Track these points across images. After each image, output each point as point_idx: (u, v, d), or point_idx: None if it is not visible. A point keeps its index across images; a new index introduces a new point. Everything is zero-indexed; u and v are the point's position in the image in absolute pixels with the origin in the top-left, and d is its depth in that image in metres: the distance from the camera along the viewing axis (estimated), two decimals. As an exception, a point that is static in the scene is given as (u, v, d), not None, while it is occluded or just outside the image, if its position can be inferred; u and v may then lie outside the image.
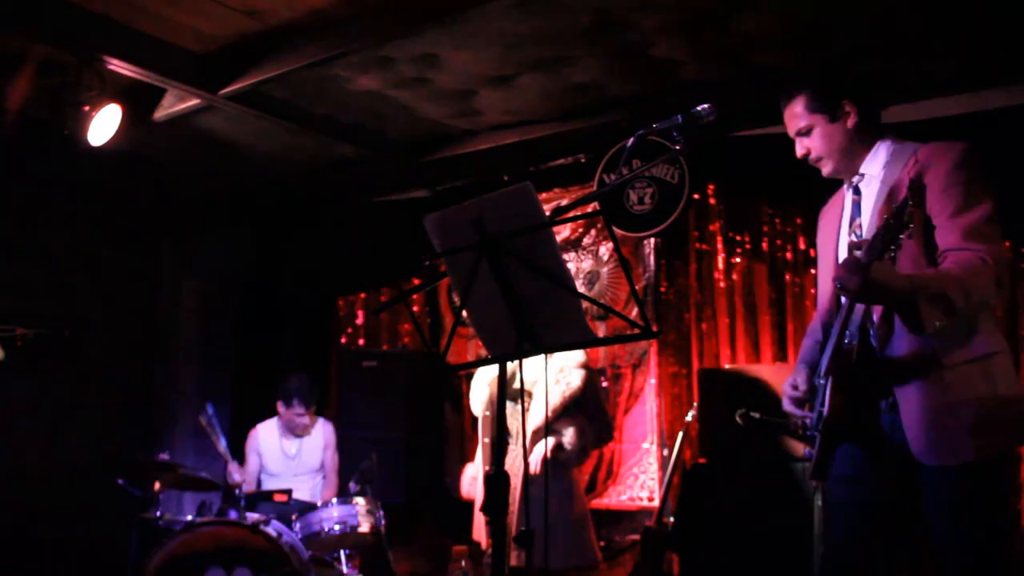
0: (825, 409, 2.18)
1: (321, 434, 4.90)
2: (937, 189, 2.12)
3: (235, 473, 4.37)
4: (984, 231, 2.11)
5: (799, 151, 2.37)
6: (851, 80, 2.39)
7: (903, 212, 1.90)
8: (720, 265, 4.56)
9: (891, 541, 2.24)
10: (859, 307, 2.18)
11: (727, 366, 4.40)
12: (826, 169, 2.36)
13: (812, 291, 4.14)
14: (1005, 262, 2.14)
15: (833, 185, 2.51)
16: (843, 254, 2.34)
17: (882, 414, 2.20)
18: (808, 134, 2.32)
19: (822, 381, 2.24)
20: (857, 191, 2.34)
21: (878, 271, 1.96)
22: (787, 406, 2.40)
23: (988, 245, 2.08)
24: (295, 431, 4.80)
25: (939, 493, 2.11)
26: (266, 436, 4.86)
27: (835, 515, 2.39)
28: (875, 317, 2.20)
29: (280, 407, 4.78)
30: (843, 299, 2.14)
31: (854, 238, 2.29)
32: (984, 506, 2.10)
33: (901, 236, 1.91)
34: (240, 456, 4.86)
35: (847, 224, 2.36)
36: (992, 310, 2.20)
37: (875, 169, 2.30)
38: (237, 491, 4.08)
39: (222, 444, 4.39)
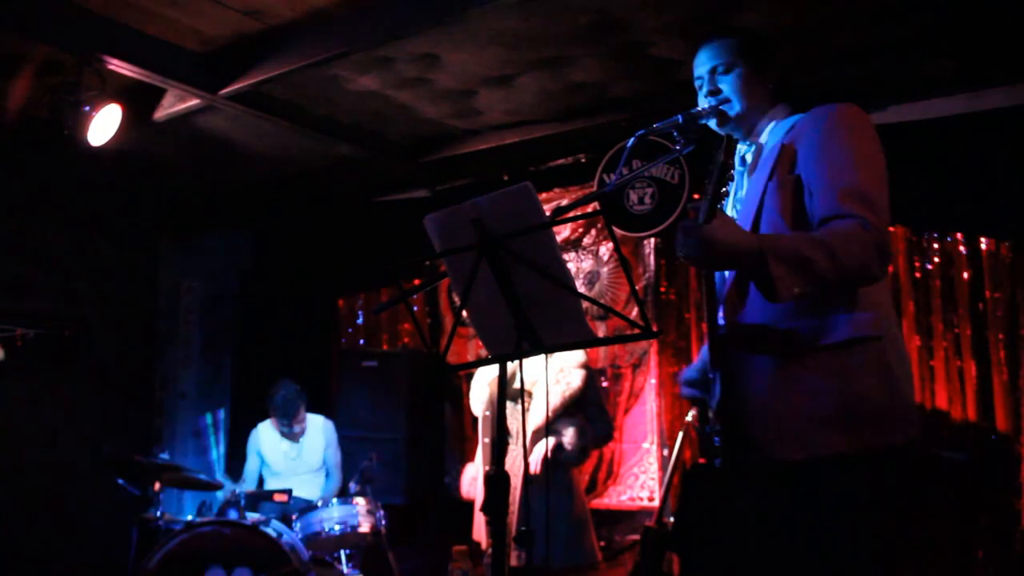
0: (713, 403, 1.97)
1: (321, 433, 4.91)
2: (812, 154, 1.91)
3: (227, 488, 4.32)
4: (866, 193, 1.85)
5: (708, 87, 2.18)
6: (779, 58, 2.23)
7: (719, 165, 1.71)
8: (720, 265, 4.55)
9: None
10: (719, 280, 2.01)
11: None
12: (725, 118, 2.15)
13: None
14: (887, 233, 1.87)
15: None
16: None
17: (721, 396, 1.95)
18: (726, 73, 2.15)
19: (711, 375, 2.01)
20: (743, 162, 2.19)
21: (719, 229, 1.74)
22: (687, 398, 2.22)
23: (870, 209, 1.82)
24: (290, 436, 4.83)
25: (782, 490, 1.91)
26: (266, 436, 4.87)
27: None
28: (728, 286, 2.01)
29: (271, 416, 4.81)
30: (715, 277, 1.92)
31: (738, 208, 2.12)
32: (833, 508, 1.85)
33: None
34: (240, 457, 4.87)
35: (733, 195, 2.19)
36: (878, 285, 1.89)
37: (762, 138, 2.14)
38: (237, 491, 4.08)
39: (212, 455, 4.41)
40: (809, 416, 1.85)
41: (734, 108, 2.14)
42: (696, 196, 4.57)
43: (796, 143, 1.98)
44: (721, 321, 2.02)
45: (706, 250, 1.74)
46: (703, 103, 2.20)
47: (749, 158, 2.17)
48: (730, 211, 2.18)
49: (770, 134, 2.12)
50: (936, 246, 3.96)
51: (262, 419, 4.94)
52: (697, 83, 2.24)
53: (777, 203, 1.94)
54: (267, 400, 4.78)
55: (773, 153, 2.01)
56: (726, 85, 2.16)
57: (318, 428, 4.93)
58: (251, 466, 4.85)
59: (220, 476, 4.46)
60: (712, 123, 2.19)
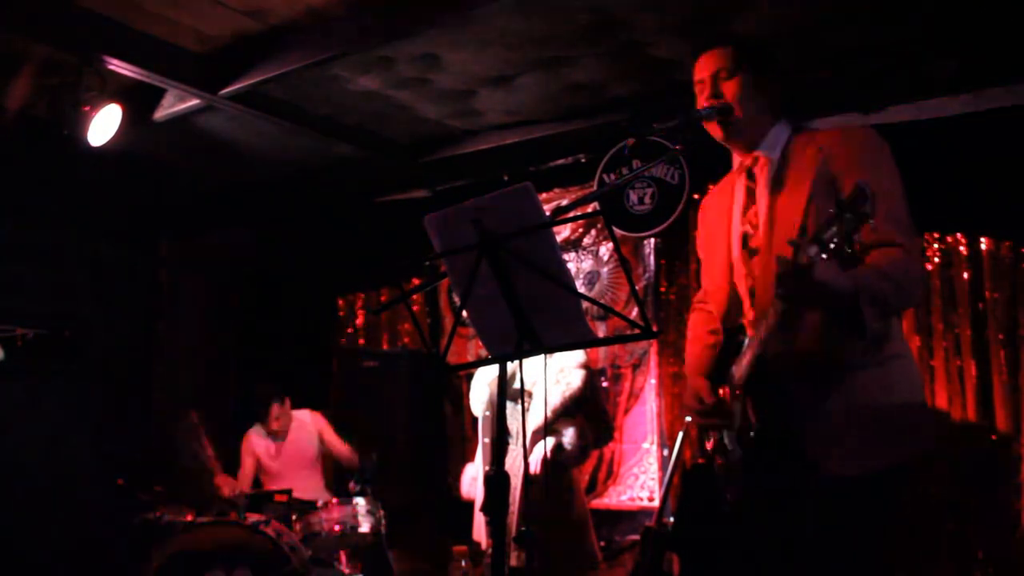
0: (753, 423, 2.05)
1: (304, 427, 4.93)
2: (847, 175, 1.94)
3: (224, 487, 4.35)
4: (903, 219, 1.95)
5: (708, 91, 2.19)
6: (780, 66, 2.27)
7: (858, 206, 1.65)
8: (720, 265, 4.55)
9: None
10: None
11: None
12: (725, 127, 2.16)
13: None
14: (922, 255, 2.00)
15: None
16: (736, 244, 2.19)
17: (775, 418, 2.03)
18: (728, 78, 2.16)
19: (739, 393, 2.08)
20: (751, 176, 2.18)
21: (825, 271, 1.73)
22: (698, 421, 2.25)
23: (910, 237, 1.95)
24: (281, 433, 4.86)
25: (831, 503, 1.97)
26: (257, 439, 4.92)
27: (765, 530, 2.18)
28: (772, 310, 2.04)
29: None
30: (775, 308, 1.91)
31: (749, 228, 2.15)
32: (872, 522, 1.96)
33: (856, 236, 1.67)
34: (235, 462, 4.88)
35: (739, 212, 2.20)
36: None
37: (771, 153, 2.14)
38: (237, 492, 4.08)
39: (210, 452, 4.42)
40: (862, 433, 1.94)
41: (735, 114, 2.15)
42: (696, 196, 4.57)
43: (829, 163, 2.00)
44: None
45: (814, 291, 1.76)
46: (702, 104, 2.20)
47: (757, 173, 2.16)
48: (740, 224, 2.18)
49: (780, 148, 2.13)
50: (936, 246, 3.95)
51: (253, 427, 4.98)
52: (697, 87, 2.24)
53: (815, 227, 1.93)
54: (252, 410, 4.85)
55: (805, 171, 2.03)
56: (728, 91, 2.17)
57: (304, 423, 4.94)
58: (246, 469, 4.87)
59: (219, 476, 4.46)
60: (714, 134, 2.20)
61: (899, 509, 2.01)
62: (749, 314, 2.16)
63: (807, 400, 1.99)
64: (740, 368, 2.08)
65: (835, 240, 1.66)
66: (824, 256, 1.68)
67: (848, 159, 1.99)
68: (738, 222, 2.19)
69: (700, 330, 2.42)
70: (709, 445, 2.28)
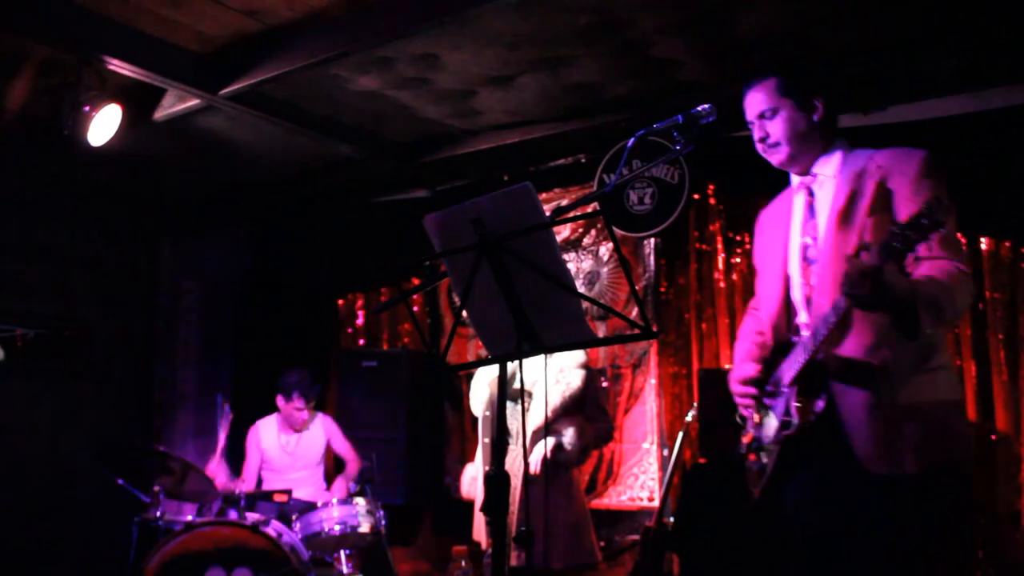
0: (795, 420, 2.16)
1: (321, 428, 4.92)
2: (906, 194, 2.10)
3: (220, 476, 4.32)
4: (954, 241, 2.11)
5: (757, 133, 2.32)
6: (823, 79, 2.36)
7: (927, 218, 1.80)
8: (720, 265, 4.56)
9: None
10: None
11: (727, 366, 4.40)
12: (779, 156, 2.30)
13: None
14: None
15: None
16: (795, 257, 2.31)
17: (821, 421, 2.14)
18: (772, 117, 2.29)
19: (785, 390, 2.20)
20: (811, 192, 2.30)
21: (891, 274, 1.90)
22: (744, 407, 2.37)
23: (961, 256, 2.08)
24: (294, 426, 4.82)
25: (878, 502, 2.07)
26: (266, 432, 4.88)
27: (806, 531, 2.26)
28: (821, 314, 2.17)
29: (280, 401, 4.81)
30: (838, 306, 2.04)
31: (808, 240, 2.27)
32: (922, 522, 2.07)
33: (920, 244, 1.83)
34: (240, 454, 4.87)
35: (799, 226, 2.32)
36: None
37: (830, 171, 2.27)
38: (237, 491, 4.08)
39: (221, 439, 4.40)
40: (912, 435, 2.04)
41: (782, 153, 2.29)
42: (696, 196, 4.58)
43: (887, 181, 2.13)
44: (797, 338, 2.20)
45: (880, 294, 1.89)
46: (758, 147, 2.34)
47: (817, 190, 2.29)
48: (800, 236, 2.30)
49: (837, 166, 2.25)
50: (936, 246, 3.96)
51: (261, 417, 4.95)
52: (750, 125, 2.37)
53: (878, 236, 2.05)
54: (280, 384, 4.78)
55: (864, 188, 2.15)
56: (774, 129, 2.29)
57: (317, 423, 4.93)
58: (252, 463, 4.85)
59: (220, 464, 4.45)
60: (771, 161, 2.33)
61: (951, 512, 2.12)
62: (804, 320, 2.27)
63: (860, 402, 2.08)
64: (790, 368, 2.20)
65: (900, 250, 1.82)
66: (889, 262, 1.84)
67: (909, 180, 2.11)
68: (797, 235, 2.31)
69: (749, 329, 2.55)
70: (746, 439, 2.39)
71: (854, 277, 1.89)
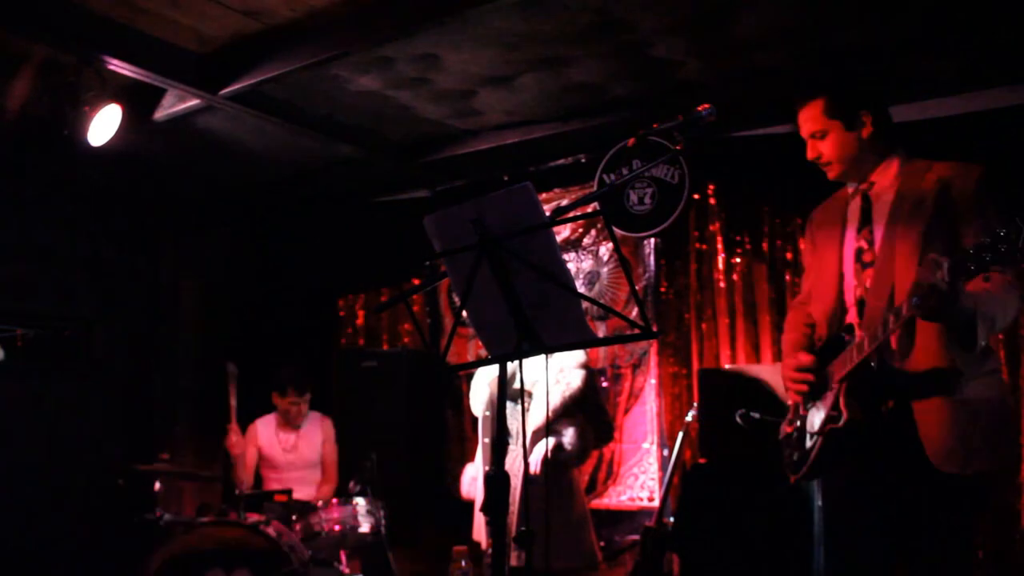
0: (844, 415, 2.21)
1: (319, 428, 4.92)
2: (967, 206, 2.18)
3: (236, 442, 4.42)
4: None
5: (810, 153, 2.40)
6: (869, 89, 2.44)
7: (1006, 244, 1.83)
8: (720, 265, 4.56)
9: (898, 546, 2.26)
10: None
11: (727, 366, 4.40)
12: (833, 173, 2.41)
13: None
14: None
15: (831, 186, 2.52)
16: (849, 258, 2.37)
17: (887, 421, 2.21)
18: (822, 138, 2.36)
19: (835, 386, 2.26)
20: (866, 199, 2.36)
21: (960, 290, 1.97)
22: (796, 393, 2.42)
23: (1017, 272, 2.15)
24: (292, 422, 4.83)
25: (945, 500, 2.15)
26: (264, 430, 4.89)
27: (847, 524, 2.37)
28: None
29: (275, 398, 4.82)
30: (900, 314, 2.08)
31: (864, 244, 2.33)
32: (973, 519, 2.20)
33: (994, 266, 1.87)
34: (252, 414, 4.88)
35: (854, 230, 2.38)
36: None
37: (886, 180, 2.34)
38: (237, 491, 4.08)
39: (232, 404, 4.45)
40: (972, 437, 2.13)
41: (835, 170, 2.38)
42: (696, 196, 4.57)
43: (949, 191, 2.20)
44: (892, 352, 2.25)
45: (950, 308, 1.96)
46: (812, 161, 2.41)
47: (874, 196, 2.35)
48: (855, 240, 2.36)
49: (894, 175, 2.32)
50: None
51: (260, 417, 4.95)
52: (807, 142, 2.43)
53: (936, 245, 2.15)
54: (274, 381, 4.80)
55: (923, 198, 2.22)
56: (825, 149, 2.37)
57: (316, 423, 4.94)
58: (249, 460, 4.85)
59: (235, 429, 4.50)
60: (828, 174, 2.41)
61: (988, 510, 2.28)
62: (855, 320, 2.33)
63: (934, 403, 2.15)
64: (842, 365, 2.25)
65: (974, 272, 1.88)
66: (960, 278, 1.90)
67: (970, 195, 2.19)
68: (852, 238, 2.38)
69: (797, 322, 2.60)
70: (788, 428, 2.45)
71: (925, 290, 1.95)
